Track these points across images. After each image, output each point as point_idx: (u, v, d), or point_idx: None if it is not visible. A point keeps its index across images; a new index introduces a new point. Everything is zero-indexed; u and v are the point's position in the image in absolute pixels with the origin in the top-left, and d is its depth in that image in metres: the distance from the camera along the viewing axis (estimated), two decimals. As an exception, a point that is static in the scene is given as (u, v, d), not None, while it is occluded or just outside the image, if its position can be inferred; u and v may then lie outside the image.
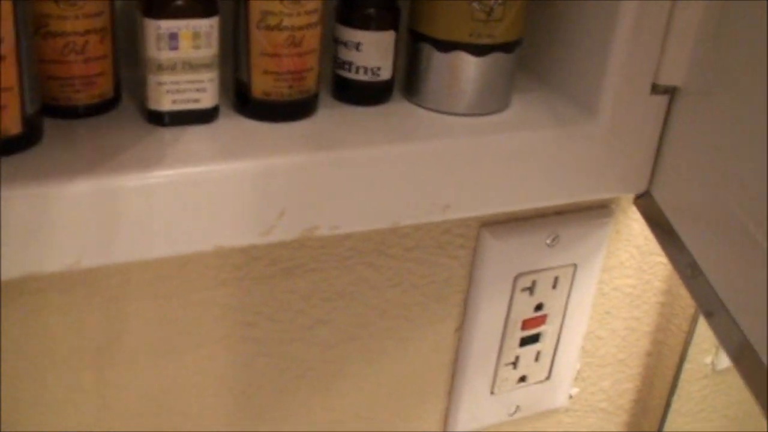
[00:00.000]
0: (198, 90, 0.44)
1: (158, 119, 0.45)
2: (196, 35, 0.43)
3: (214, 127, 0.46)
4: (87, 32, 0.44)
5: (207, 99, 0.45)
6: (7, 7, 0.38)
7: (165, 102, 0.44)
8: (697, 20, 0.48)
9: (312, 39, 0.45)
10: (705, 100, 0.49)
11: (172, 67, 0.43)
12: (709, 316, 0.47)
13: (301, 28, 0.44)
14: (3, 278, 0.40)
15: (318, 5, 0.45)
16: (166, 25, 0.42)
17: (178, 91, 0.44)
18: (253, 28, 0.44)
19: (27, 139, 0.41)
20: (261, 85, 0.46)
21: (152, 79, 0.44)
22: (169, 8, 0.42)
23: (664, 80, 0.50)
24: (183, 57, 0.43)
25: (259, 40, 0.44)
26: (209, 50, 0.43)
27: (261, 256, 0.51)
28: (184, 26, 0.42)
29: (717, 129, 0.48)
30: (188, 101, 0.44)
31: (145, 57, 0.43)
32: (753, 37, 0.44)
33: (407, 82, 0.51)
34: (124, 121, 0.46)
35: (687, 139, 0.51)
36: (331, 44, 0.49)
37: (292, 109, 0.47)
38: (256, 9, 0.44)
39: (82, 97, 0.45)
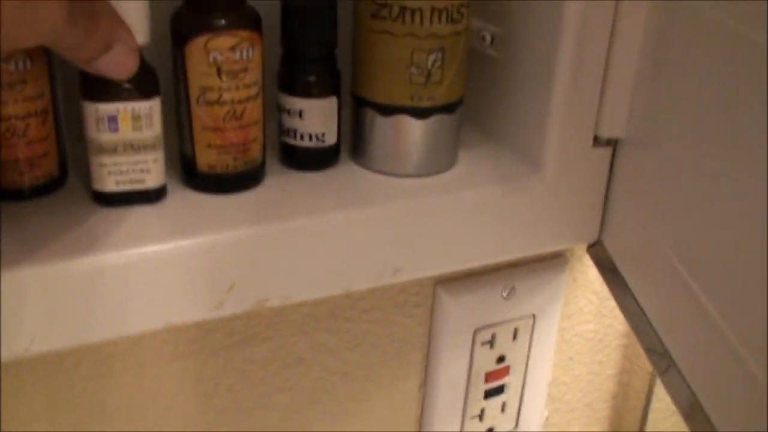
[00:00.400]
0: (142, 171, 0.44)
1: (102, 200, 0.45)
2: (135, 117, 0.43)
3: (160, 204, 0.46)
4: (28, 115, 0.44)
5: (151, 179, 0.44)
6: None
7: (108, 183, 0.44)
8: (633, 72, 0.49)
9: (253, 110, 0.46)
10: (644, 150, 0.50)
11: (113, 149, 0.43)
12: (659, 370, 0.48)
13: (241, 101, 0.45)
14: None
15: (257, 77, 0.45)
16: (105, 108, 0.42)
17: (120, 173, 0.44)
18: (193, 104, 0.45)
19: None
20: (205, 159, 0.46)
21: (94, 161, 0.44)
22: (108, 91, 0.42)
23: (606, 132, 0.51)
24: (124, 139, 0.43)
25: (200, 115, 0.45)
26: (151, 131, 0.43)
27: (216, 328, 0.51)
28: (122, 108, 0.42)
29: (655, 178, 0.48)
30: (132, 182, 0.44)
31: (86, 138, 0.44)
32: (686, 86, 0.45)
33: (353, 145, 0.52)
34: (72, 200, 0.45)
35: (630, 188, 0.52)
36: (275, 112, 0.50)
37: (238, 181, 0.47)
38: (194, 85, 0.44)
39: (27, 179, 0.45)
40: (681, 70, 0.45)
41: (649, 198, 0.49)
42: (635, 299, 0.51)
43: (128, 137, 0.43)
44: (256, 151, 0.47)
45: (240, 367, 0.53)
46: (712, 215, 0.43)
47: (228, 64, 0.43)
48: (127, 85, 0.42)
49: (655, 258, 0.48)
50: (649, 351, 0.49)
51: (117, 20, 0.37)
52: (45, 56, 0.44)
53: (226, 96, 0.44)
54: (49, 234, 0.42)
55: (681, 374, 0.46)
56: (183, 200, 0.46)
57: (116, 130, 0.43)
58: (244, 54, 0.44)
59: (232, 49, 0.43)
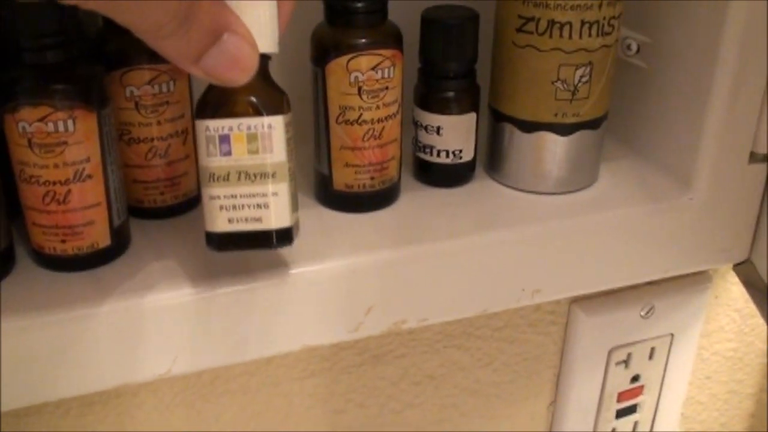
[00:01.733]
0: (258, 206, 0.37)
1: (215, 244, 0.37)
2: (251, 137, 0.36)
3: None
4: (169, 136, 0.44)
5: (271, 218, 0.37)
6: (91, 126, 0.38)
7: (220, 221, 0.37)
8: (796, 86, 0.46)
9: (392, 129, 0.45)
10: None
11: (225, 178, 0.36)
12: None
13: (380, 120, 0.44)
14: (93, 390, 0.40)
15: (397, 96, 0.44)
16: (215, 125, 0.36)
17: (233, 208, 0.37)
18: (332, 123, 0.44)
19: (115, 251, 0.42)
20: (342, 178, 0.45)
21: (205, 194, 0.37)
22: (221, 107, 0.36)
23: (763, 148, 0.48)
24: (236, 164, 0.36)
25: (338, 134, 0.44)
26: (270, 156, 0.36)
27: (349, 346, 0.50)
28: (236, 126, 0.36)
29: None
30: (247, 220, 0.37)
31: (198, 167, 0.38)
32: None
33: (490, 159, 0.50)
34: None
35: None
36: (411, 127, 0.48)
37: (374, 199, 0.46)
38: (335, 104, 0.43)
39: (168, 198, 0.45)
40: None
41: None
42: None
43: (242, 162, 0.36)
44: (393, 169, 0.46)
45: (371, 384, 0.52)
46: None
47: (369, 83, 0.42)
48: (246, 97, 0.36)
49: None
50: None
51: (223, 6, 0.31)
52: (187, 77, 0.44)
53: (366, 115, 0.43)
54: (187, 255, 0.42)
55: None
56: (318, 219, 0.46)
57: (228, 153, 0.36)
58: (386, 73, 0.43)
59: (374, 68, 0.42)
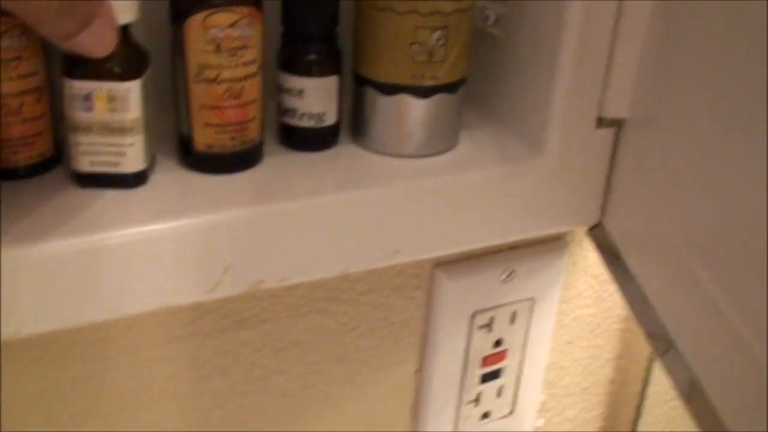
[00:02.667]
0: (117, 154, 0.42)
1: (78, 180, 0.43)
2: (111, 98, 0.41)
3: (154, 184, 0.44)
4: (22, 93, 0.42)
5: (127, 163, 0.43)
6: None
7: (83, 163, 0.43)
8: (638, 52, 0.48)
9: (252, 89, 0.45)
10: (649, 131, 0.49)
11: (88, 128, 0.42)
12: (659, 352, 0.47)
13: (239, 79, 0.43)
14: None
15: (256, 55, 0.44)
16: (80, 85, 0.41)
17: (95, 153, 0.42)
18: (191, 82, 0.43)
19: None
20: (203, 138, 0.45)
21: (71, 139, 0.42)
22: (86, 69, 0.41)
23: (610, 113, 0.50)
24: (98, 119, 0.42)
25: (198, 93, 0.43)
26: (128, 114, 0.42)
27: (211, 310, 0.50)
28: (98, 88, 0.41)
29: (661, 159, 0.48)
30: (107, 164, 0.43)
31: (64, 116, 0.42)
32: (692, 65, 0.44)
33: (354, 125, 0.51)
34: (64, 180, 0.44)
35: (634, 170, 0.51)
36: (275, 91, 0.49)
37: (235, 160, 0.46)
38: (192, 63, 0.43)
39: (21, 158, 0.44)
40: (687, 49, 0.44)
41: (653, 180, 0.49)
42: (637, 283, 0.51)
43: (103, 118, 0.42)
44: (254, 130, 0.46)
45: (234, 350, 0.52)
46: (717, 197, 0.42)
47: (227, 41, 0.42)
48: (108, 64, 0.40)
49: (659, 240, 0.47)
50: (650, 335, 0.49)
51: None
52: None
53: (225, 74, 0.43)
54: (41, 214, 0.41)
55: (681, 355, 0.46)
56: (178, 180, 0.45)
57: (90, 109, 0.41)
58: (244, 31, 0.42)
59: (232, 25, 0.42)
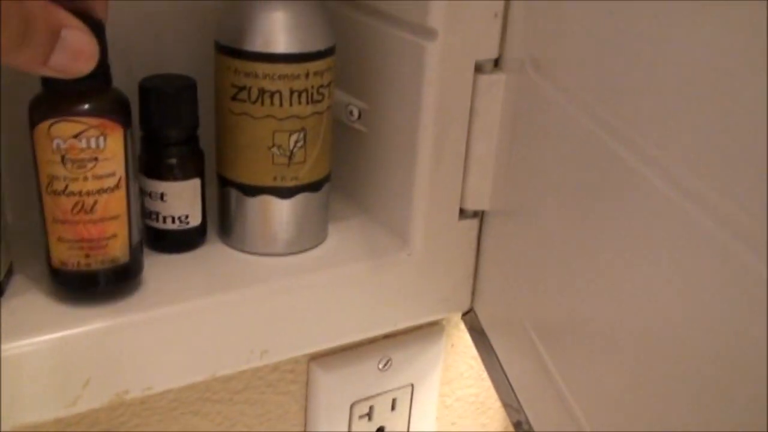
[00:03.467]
0: None
1: None
2: None
3: (11, 297, 0.43)
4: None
5: None
6: None
7: None
8: (494, 148, 0.50)
9: (109, 204, 0.42)
10: (506, 222, 0.51)
11: None
12: (517, 426, 0.49)
13: (90, 193, 0.41)
14: None
15: (114, 169, 0.42)
16: None
17: None
18: (43, 193, 0.42)
19: None
20: (57, 254, 0.43)
21: None
22: None
23: (471, 205, 0.52)
24: None
25: (49, 205, 0.42)
26: None
27: (76, 421, 0.49)
28: None
29: (515, 248, 0.49)
30: None
31: None
32: (540, 160, 0.46)
33: (221, 225, 0.51)
34: None
35: (495, 258, 0.52)
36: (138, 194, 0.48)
37: (90, 281, 0.43)
38: (43, 173, 0.41)
39: None
40: (534, 147, 0.46)
41: (509, 267, 0.50)
42: (498, 360, 0.52)
43: None
44: (115, 248, 0.43)
45: (105, 458, 0.51)
46: (560, 285, 0.44)
47: (73, 152, 0.41)
48: None
49: (514, 324, 0.49)
50: (507, 405, 0.51)
51: (53, 7, 0.34)
52: None
53: (72, 187, 0.41)
54: None
55: (530, 427, 0.47)
56: (35, 297, 0.44)
57: None
58: (92, 142, 0.41)
59: (77, 136, 0.40)
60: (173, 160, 0.47)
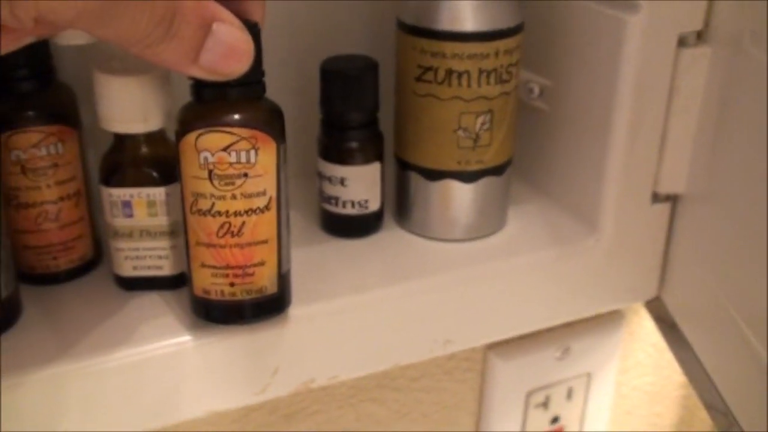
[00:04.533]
0: (159, 257, 0.42)
1: (122, 284, 0.43)
2: (150, 203, 0.41)
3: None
4: (60, 199, 0.42)
5: (170, 266, 0.42)
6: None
7: (126, 268, 0.42)
8: (693, 128, 0.46)
9: (258, 228, 0.37)
10: (706, 206, 0.47)
11: (129, 234, 0.41)
12: (713, 415, 0.45)
13: (238, 213, 0.37)
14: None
15: (265, 187, 0.37)
16: (118, 192, 0.40)
17: (137, 258, 0.42)
18: (187, 212, 0.38)
19: (5, 321, 0.39)
20: (199, 281, 0.39)
21: (112, 245, 0.42)
22: (123, 176, 0.40)
23: (665, 188, 0.48)
24: (139, 225, 0.41)
25: (193, 226, 0.38)
26: (167, 218, 0.41)
27: (259, 407, 0.49)
28: (137, 194, 0.40)
29: (717, 233, 0.46)
30: (149, 268, 0.42)
31: (104, 222, 0.42)
32: (747, 141, 0.42)
33: (398, 208, 0.49)
34: (108, 284, 0.44)
35: (691, 244, 0.49)
36: (316, 178, 0.47)
37: (234, 311, 0.39)
38: (188, 189, 0.37)
39: (62, 263, 0.43)
40: (743, 125, 0.42)
41: (709, 253, 0.47)
42: (695, 355, 0.49)
43: (143, 223, 0.41)
44: (263, 278, 0.38)
45: (285, 443, 0.51)
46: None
47: (221, 166, 0.36)
48: (146, 170, 0.40)
49: (716, 313, 0.45)
50: (710, 408, 0.47)
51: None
52: (76, 137, 0.42)
53: (219, 206, 0.37)
54: (82, 323, 0.40)
55: (739, 425, 0.44)
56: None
57: (130, 215, 0.41)
58: (243, 156, 0.36)
59: (226, 149, 0.36)
60: (354, 144, 0.46)
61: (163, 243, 0.42)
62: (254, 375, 0.42)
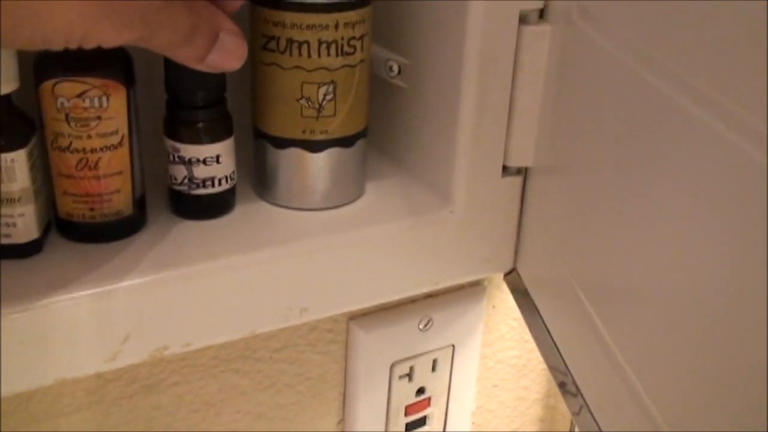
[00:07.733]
0: (8, 225, 0.42)
1: None
2: None
3: (48, 253, 0.43)
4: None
5: (19, 234, 0.42)
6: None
7: None
8: (538, 103, 0.48)
9: (112, 161, 0.43)
10: (551, 179, 0.49)
11: None
12: (561, 387, 0.48)
13: (94, 150, 0.42)
14: None
15: (118, 127, 0.42)
16: None
17: None
18: (49, 149, 0.42)
19: None
20: (63, 206, 0.44)
21: None
22: None
23: (514, 162, 0.50)
24: None
25: (55, 160, 0.42)
26: (15, 185, 0.41)
27: (115, 378, 0.49)
28: None
29: (561, 206, 0.48)
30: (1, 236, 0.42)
31: None
32: (588, 114, 0.44)
33: (256, 179, 0.50)
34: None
35: (540, 216, 0.51)
36: (165, 158, 0.47)
37: (96, 232, 0.44)
38: (49, 130, 0.42)
39: None
40: (577, 99, 0.45)
41: (555, 225, 0.49)
42: (542, 320, 0.51)
43: None
44: (119, 202, 0.44)
45: (145, 414, 0.51)
46: (611, 241, 0.42)
47: (76, 111, 0.41)
48: None
49: (560, 284, 0.48)
50: (551, 367, 0.50)
51: (216, 11, 0.38)
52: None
53: (76, 144, 0.42)
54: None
55: (576, 386, 0.47)
56: (66, 250, 0.44)
57: None
58: (95, 102, 0.41)
59: (80, 96, 0.40)
60: (201, 125, 0.45)
61: (11, 210, 0.41)
62: (103, 341, 0.42)
